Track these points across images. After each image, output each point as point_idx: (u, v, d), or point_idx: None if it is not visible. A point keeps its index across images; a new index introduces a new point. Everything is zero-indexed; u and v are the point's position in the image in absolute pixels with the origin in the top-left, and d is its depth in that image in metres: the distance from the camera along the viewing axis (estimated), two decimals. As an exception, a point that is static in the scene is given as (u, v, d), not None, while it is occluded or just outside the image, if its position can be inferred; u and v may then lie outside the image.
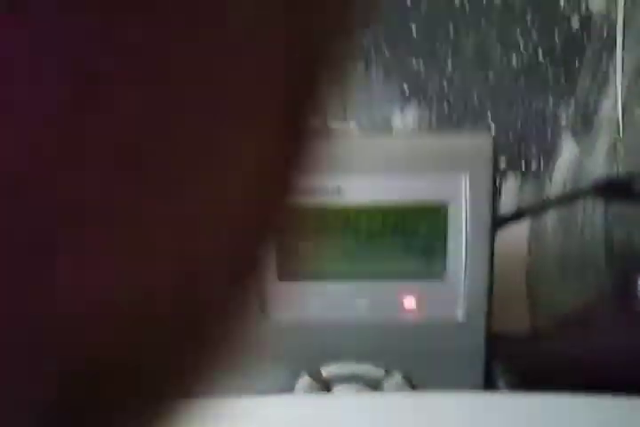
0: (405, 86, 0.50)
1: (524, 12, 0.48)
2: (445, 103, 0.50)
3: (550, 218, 0.47)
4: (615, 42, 0.41)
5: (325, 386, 0.36)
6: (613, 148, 0.42)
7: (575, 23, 0.49)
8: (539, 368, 0.34)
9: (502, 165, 0.51)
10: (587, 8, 0.49)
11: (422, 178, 0.33)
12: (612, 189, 0.38)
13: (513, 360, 0.36)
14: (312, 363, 0.36)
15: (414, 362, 0.36)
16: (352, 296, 0.35)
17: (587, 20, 0.49)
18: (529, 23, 0.49)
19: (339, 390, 0.36)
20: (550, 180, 0.50)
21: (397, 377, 0.36)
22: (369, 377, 0.36)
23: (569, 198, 0.41)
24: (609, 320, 0.35)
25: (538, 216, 0.46)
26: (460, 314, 0.34)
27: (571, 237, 0.44)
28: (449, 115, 0.51)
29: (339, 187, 0.33)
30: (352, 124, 0.50)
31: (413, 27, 0.49)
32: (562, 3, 0.49)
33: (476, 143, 0.33)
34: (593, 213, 0.42)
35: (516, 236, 0.47)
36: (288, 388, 0.36)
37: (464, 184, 0.33)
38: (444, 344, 0.35)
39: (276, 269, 0.34)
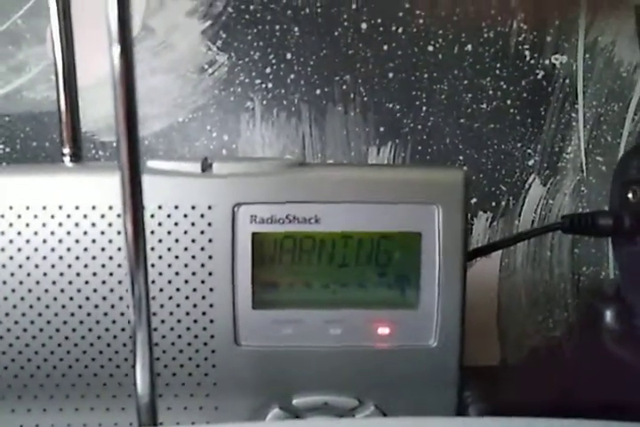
0: (382, 128, 0.53)
1: (494, 62, 0.52)
2: (419, 145, 0.53)
3: (520, 254, 0.48)
4: (577, 91, 0.45)
5: (297, 417, 0.36)
6: (578, 188, 0.44)
7: (540, 74, 0.53)
8: (511, 398, 0.34)
9: (473, 206, 0.53)
10: (550, 61, 0.52)
11: (397, 209, 0.34)
12: (578, 226, 0.40)
13: (485, 391, 0.36)
14: (284, 393, 0.36)
15: (387, 392, 0.35)
16: (326, 325, 0.35)
17: (550, 71, 0.53)
18: (498, 72, 0.52)
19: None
20: (519, 218, 0.52)
21: (370, 407, 0.36)
22: (341, 407, 0.36)
23: (537, 233, 0.43)
24: (575, 352, 0.36)
25: (506, 250, 0.48)
26: (433, 343, 0.35)
27: (540, 272, 0.46)
28: (422, 156, 0.53)
29: (316, 216, 0.34)
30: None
31: (390, 74, 0.52)
32: (527, 55, 0.52)
33: (449, 175, 0.35)
34: (560, 250, 0.44)
35: (487, 271, 0.48)
36: (259, 420, 0.35)
37: (437, 215, 0.34)
38: (417, 373, 0.35)
39: (251, 297, 0.34)
